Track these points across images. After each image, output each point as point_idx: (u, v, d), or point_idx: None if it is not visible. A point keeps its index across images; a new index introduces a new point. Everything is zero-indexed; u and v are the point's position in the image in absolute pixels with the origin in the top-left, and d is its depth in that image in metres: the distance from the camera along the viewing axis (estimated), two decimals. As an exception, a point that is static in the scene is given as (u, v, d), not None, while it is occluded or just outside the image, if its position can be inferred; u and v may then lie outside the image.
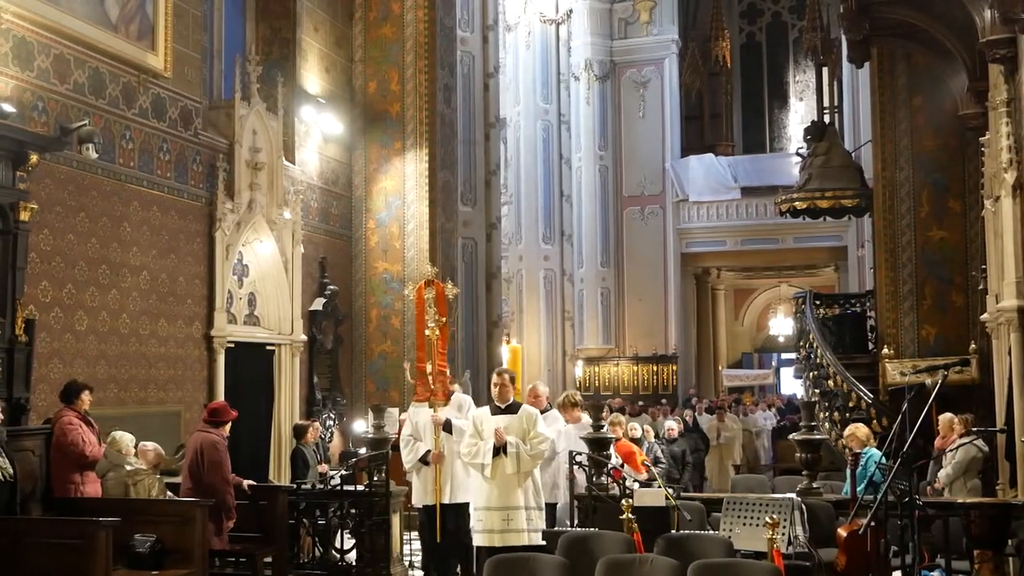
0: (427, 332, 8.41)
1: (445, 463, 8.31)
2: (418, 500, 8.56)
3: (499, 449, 7.67)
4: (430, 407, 8.44)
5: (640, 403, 21.69)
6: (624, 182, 27.83)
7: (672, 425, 13.48)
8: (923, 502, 7.22)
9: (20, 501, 7.83)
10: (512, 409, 7.92)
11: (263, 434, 12.50)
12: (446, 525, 8.32)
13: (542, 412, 8.60)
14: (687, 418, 16.22)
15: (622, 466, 9.05)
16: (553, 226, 25.30)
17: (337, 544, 9.53)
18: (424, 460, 8.40)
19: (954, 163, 14.70)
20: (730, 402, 19.79)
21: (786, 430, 17.62)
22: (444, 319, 8.48)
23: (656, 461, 10.62)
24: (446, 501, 8.32)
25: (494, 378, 8.09)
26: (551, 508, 8.78)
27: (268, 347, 12.78)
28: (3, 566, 7.29)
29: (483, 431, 7.84)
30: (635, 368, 27.04)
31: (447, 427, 8.34)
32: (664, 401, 23.20)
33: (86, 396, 8.51)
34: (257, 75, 12.34)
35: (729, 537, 6.84)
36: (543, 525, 7.86)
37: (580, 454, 8.27)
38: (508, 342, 21.93)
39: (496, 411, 7.94)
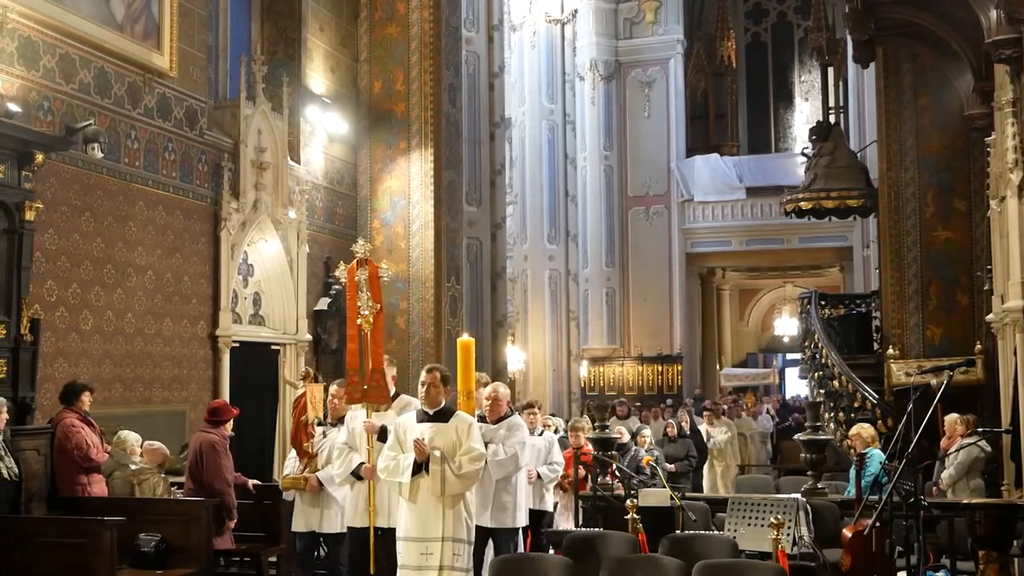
0: (359, 321, 7.04)
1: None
2: (349, 520, 7.19)
3: (421, 465, 6.20)
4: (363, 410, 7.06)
5: (638, 404, 21.21)
6: (629, 182, 27.82)
7: (646, 432, 12.75)
8: (928, 502, 7.21)
9: (24, 500, 7.85)
10: (443, 416, 6.39)
11: (268, 434, 12.52)
12: (380, 553, 6.87)
13: (501, 419, 7.53)
14: (682, 421, 15.42)
15: (586, 478, 8.88)
16: (558, 226, 25.30)
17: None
18: (357, 474, 6.99)
19: (960, 163, 14.66)
20: (727, 403, 19.39)
21: (789, 431, 17.56)
22: (379, 305, 7.10)
23: (639, 470, 10.14)
24: (385, 524, 6.87)
25: (422, 376, 6.52)
26: (510, 533, 7.61)
27: (273, 347, 12.80)
28: (9, 565, 7.31)
29: (405, 442, 6.35)
30: (640, 368, 27.03)
31: (382, 435, 6.82)
32: (669, 401, 23.15)
33: (86, 397, 8.50)
34: (262, 75, 12.36)
35: (734, 537, 6.84)
36: (469, 564, 6.37)
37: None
38: (513, 341, 21.94)
39: (423, 417, 6.42)
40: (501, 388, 7.64)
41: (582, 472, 8.77)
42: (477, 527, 6.66)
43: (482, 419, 7.43)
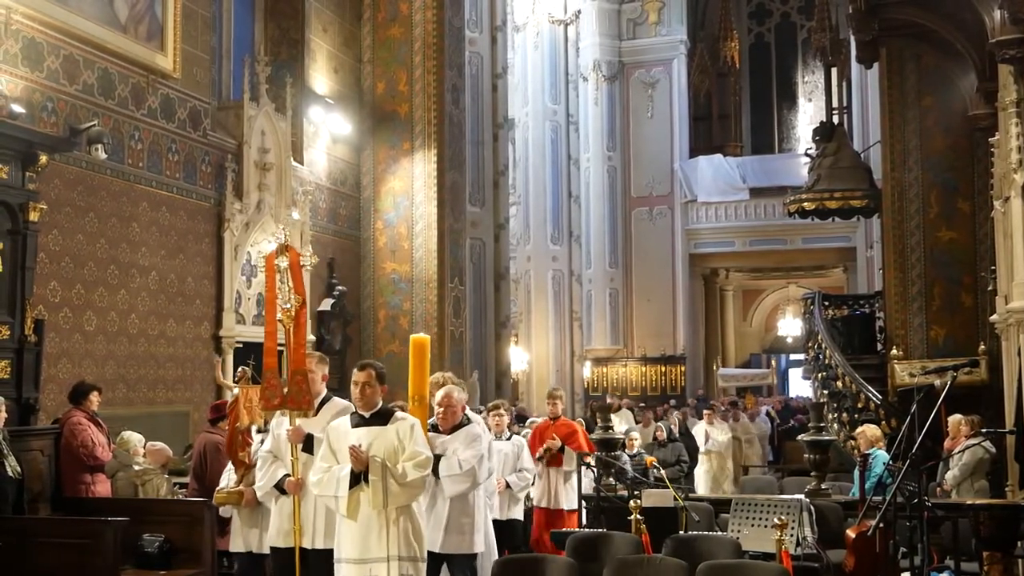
0: (279, 316, 6.26)
1: (308, 492, 5.95)
2: (272, 539, 6.26)
3: (359, 476, 5.46)
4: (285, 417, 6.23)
5: (642, 404, 20.93)
6: (632, 183, 27.84)
7: (635, 435, 12.39)
8: (932, 503, 7.21)
9: (28, 500, 7.85)
10: (380, 418, 5.71)
11: (271, 434, 12.50)
12: None
13: (458, 427, 6.60)
14: (672, 424, 14.94)
15: (561, 450, 8.69)
16: (561, 227, 25.29)
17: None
18: (280, 487, 6.12)
19: (963, 164, 14.63)
20: (724, 404, 19.15)
21: (792, 431, 17.51)
22: (301, 298, 6.25)
23: (622, 472, 9.41)
24: (309, 544, 6.00)
25: (354, 374, 5.81)
26: (468, 559, 6.62)
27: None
28: (12, 565, 7.31)
29: (339, 451, 5.60)
30: (643, 369, 27.05)
31: (307, 445, 6.05)
32: (672, 402, 23.12)
33: (94, 397, 8.53)
34: (266, 76, 12.39)
35: (737, 538, 6.83)
36: None
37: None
38: (517, 342, 21.94)
39: (358, 422, 5.71)
40: (456, 392, 6.70)
41: (557, 444, 8.72)
42: (429, 553, 5.95)
43: (435, 428, 6.65)
